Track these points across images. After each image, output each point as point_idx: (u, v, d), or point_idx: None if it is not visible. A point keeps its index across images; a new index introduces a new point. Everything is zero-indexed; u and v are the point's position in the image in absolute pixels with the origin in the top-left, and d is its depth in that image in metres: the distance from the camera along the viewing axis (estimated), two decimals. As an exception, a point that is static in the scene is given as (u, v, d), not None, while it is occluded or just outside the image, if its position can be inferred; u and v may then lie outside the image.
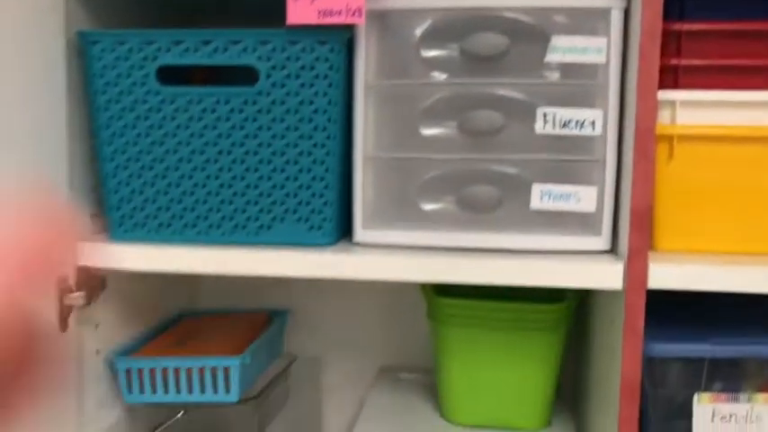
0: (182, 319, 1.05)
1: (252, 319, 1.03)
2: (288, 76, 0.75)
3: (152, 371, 0.86)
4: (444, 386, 0.93)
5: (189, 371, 0.85)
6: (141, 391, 0.86)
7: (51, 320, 0.75)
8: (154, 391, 0.86)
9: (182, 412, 0.89)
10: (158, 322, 1.01)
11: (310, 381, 1.08)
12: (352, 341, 1.14)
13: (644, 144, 0.70)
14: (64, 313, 0.77)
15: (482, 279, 0.73)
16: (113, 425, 0.88)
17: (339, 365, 1.14)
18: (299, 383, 1.05)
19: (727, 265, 0.70)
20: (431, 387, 1.02)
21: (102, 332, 0.86)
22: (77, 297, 0.78)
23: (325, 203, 0.77)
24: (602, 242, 0.76)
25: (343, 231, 0.82)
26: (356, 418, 1.13)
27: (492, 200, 0.75)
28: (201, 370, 0.85)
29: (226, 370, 0.85)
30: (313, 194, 0.77)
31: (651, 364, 0.75)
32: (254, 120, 0.76)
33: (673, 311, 0.82)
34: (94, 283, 0.81)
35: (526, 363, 0.90)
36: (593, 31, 0.73)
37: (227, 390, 0.85)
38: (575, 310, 0.91)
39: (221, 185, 0.78)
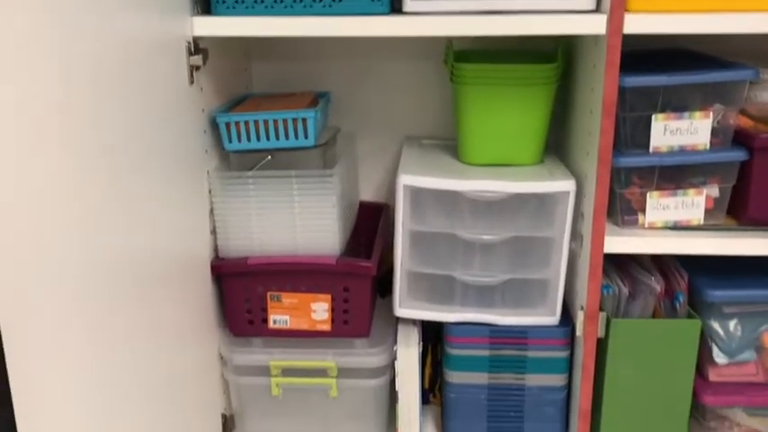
0: (248, 97, 1.29)
1: (303, 96, 1.28)
2: None
3: (246, 123, 1.11)
4: (463, 135, 1.21)
5: (275, 122, 1.11)
6: (239, 140, 1.13)
7: (184, 75, 1.00)
8: (249, 139, 1.12)
9: (269, 156, 1.15)
10: (232, 98, 1.26)
11: (348, 151, 1.35)
12: (380, 118, 1.41)
13: (623, -77, 0.96)
14: (191, 70, 1.01)
15: (504, 31, 1.00)
16: (216, 167, 1.15)
17: (369, 138, 1.42)
18: (339, 153, 1.32)
19: (681, 14, 0.98)
20: (448, 147, 1.31)
21: (204, 95, 1.11)
22: (198, 58, 1.02)
23: (383, -21, 1.02)
24: (589, 3, 1.03)
25: (395, 4, 1.06)
26: (385, 177, 1.43)
27: (510, -29, 1.01)
28: (285, 121, 1.11)
29: (304, 120, 1.11)
30: (373, -27, 1.01)
31: (623, 94, 1.04)
32: None
33: (644, 72, 1.10)
34: (203, 51, 1.05)
35: (526, 112, 1.19)
36: None
37: (306, 136, 1.12)
38: (562, 71, 1.18)
39: (302, -32, 1.01)
